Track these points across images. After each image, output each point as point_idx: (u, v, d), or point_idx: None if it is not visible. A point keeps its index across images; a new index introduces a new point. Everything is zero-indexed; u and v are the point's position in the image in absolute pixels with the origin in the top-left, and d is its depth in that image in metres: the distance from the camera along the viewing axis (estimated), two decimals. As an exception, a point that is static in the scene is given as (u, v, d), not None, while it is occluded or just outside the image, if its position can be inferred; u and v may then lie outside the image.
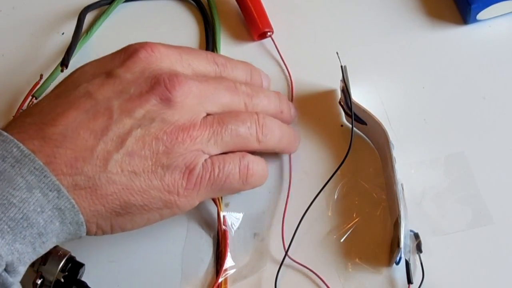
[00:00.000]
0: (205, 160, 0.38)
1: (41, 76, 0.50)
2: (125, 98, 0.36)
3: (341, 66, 0.46)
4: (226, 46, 0.53)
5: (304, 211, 0.43)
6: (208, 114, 0.39)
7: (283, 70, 0.52)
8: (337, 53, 0.46)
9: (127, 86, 0.37)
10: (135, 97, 0.37)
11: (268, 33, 0.53)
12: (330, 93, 0.50)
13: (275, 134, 0.42)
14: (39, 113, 0.36)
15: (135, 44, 0.40)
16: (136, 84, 0.37)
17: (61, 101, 0.36)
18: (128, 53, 0.39)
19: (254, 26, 0.53)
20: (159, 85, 0.37)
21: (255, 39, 0.53)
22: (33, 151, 0.33)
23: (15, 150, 0.33)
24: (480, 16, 0.51)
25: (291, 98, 0.50)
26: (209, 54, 0.43)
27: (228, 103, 0.40)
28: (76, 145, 0.34)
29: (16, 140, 0.33)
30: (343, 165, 0.44)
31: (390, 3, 0.54)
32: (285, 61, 0.52)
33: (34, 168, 0.33)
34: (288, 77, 0.51)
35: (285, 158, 0.47)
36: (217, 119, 0.39)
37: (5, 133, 0.34)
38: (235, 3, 0.55)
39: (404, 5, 0.54)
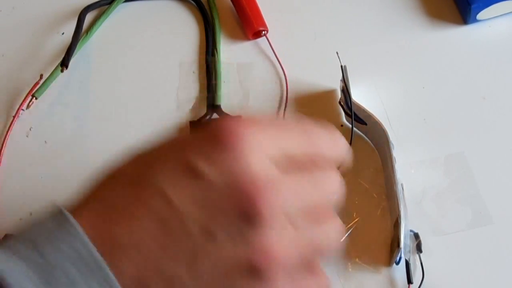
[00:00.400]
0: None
1: (41, 76, 0.50)
2: (204, 207, 0.31)
3: (341, 66, 0.46)
4: (222, 45, 0.53)
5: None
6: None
7: (278, 69, 0.52)
8: (337, 53, 0.46)
9: (209, 190, 0.31)
10: (217, 209, 0.31)
11: (263, 32, 0.53)
12: (330, 93, 0.50)
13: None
14: (111, 203, 0.32)
15: (224, 126, 0.32)
16: (219, 189, 0.31)
17: (135, 194, 0.32)
18: (216, 139, 0.32)
19: (248, 25, 0.53)
20: (246, 198, 0.30)
21: (250, 38, 0.53)
22: (102, 256, 0.30)
23: (84, 252, 0.30)
24: (480, 16, 0.51)
25: (286, 97, 0.50)
26: (298, 128, 0.35)
27: (308, 205, 0.34)
28: (144, 259, 0.30)
29: (86, 239, 0.30)
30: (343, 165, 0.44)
31: (390, 3, 0.54)
32: (280, 60, 0.52)
33: (104, 279, 0.29)
34: (283, 76, 0.51)
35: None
36: (303, 239, 0.33)
37: (76, 225, 0.30)
38: (231, 2, 0.55)
39: (404, 5, 0.54)
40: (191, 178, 0.31)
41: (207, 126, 0.32)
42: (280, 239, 0.31)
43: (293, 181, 0.32)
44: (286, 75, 0.51)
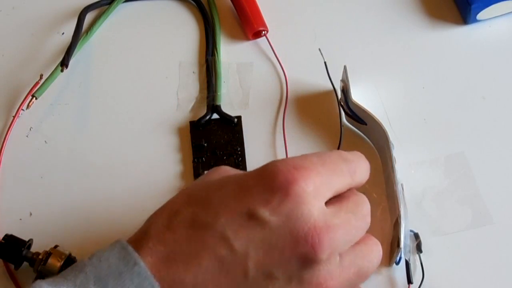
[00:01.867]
0: None
1: (41, 76, 0.50)
2: (264, 250, 0.32)
3: (344, 66, 0.46)
4: (222, 45, 0.53)
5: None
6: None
7: (278, 69, 0.52)
8: (319, 49, 0.47)
9: (269, 234, 0.32)
10: (276, 251, 0.32)
11: (263, 32, 0.53)
12: (330, 93, 0.50)
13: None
14: (173, 245, 0.33)
15: (280, 171, 0.33)
16: (279, 234, 0.32)
17: (196, 236, 0.33)
18: (278, 185, 0.32)
19: (248, 25, 0.53)
20: (306, 243, 0.32)
21: (250, 38, 0.53)
22: None
23: None
24: (480, 16, 0.51)
25: (286, 97, 0.50)
26: (342, 165, 0.36)
27: (356, 239, 0.36)
28: None
29: (151, 278, 0.31)
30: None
31: (390, 3, 0.54)
32: (280, 60, 0.52)
33: None
34: (283, 76, 0.51)
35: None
36: (352, 269, 0.35)
37: (142, 264, 0.32)
38: (231, 2, 0.55)
39: (404, 5, 0.54)
40: (252, 224, 0.32)
41: (263, 170, 0.34)
42: (334, 274, 0.33)
43: (344, 221, 0.34)
44: (286, 75, 0.51)
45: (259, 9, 0.54)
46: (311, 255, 0.32)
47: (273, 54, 0.52)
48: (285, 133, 0.48)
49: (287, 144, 0.48)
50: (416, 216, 0.44)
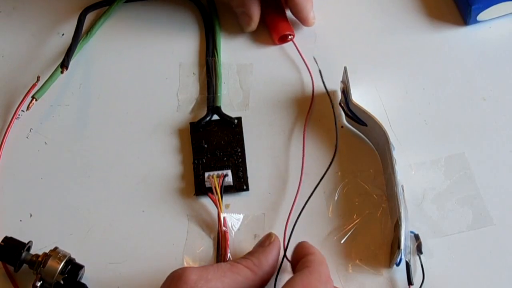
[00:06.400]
0: None
1: (39, 77, 0.50)
2: None
3: (344, 67, 0.46)
4: (222, 46, 0.53)
5: (302, 211, 0.43)
6: None
7: (278, 70, 0.52)
8: (314, 57, 0.47)
9: None
10: None
11: (289, 36, 0.52)
12: (331, 94, 0.50)
13: None
14: None
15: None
16: None
17: None
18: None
19: (275, 29, 0.52)
20: None
21: (276, 42, 0.53)
22: None
23: None
24: (480, 17, 0.51)
25: (311, 99, 0.50)
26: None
27: None
28: None
29: None
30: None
31: (390, 4, 0.54)
32: (307, 63, 0.51)
33: None
34: (311, 82, 0.51)
35: (285, 159, 0.47)
36: None
37: None
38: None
39: (404, 6, 0.54)
40: None
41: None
42: None
43: None
44: (313, 77, 0.50)
45: (286, 13, 0.53)
46: None
47: (301, 59, 0.51)
48: (305, 135, 0.48)
49: (304, 147, 0.48)
50: (416, 217, 0.44)
